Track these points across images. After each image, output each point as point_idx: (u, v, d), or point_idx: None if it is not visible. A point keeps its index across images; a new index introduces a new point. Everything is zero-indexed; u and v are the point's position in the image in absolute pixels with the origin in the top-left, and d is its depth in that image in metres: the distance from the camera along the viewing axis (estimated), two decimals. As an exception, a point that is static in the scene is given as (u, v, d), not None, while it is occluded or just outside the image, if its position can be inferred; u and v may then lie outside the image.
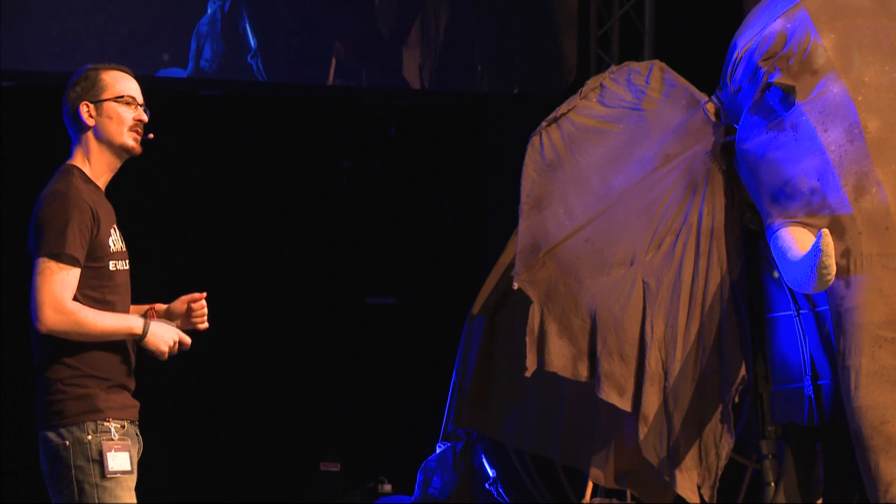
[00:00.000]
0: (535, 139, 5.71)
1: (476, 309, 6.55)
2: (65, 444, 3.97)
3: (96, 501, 3.94)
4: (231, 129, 9.28)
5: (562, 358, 5.48)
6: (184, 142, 9.12)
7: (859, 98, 5.06)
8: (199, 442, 9.07)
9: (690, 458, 5.43)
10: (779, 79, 5.18)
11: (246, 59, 8.64)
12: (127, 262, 4.19)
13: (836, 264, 4.85)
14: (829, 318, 5.16)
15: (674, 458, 5.41)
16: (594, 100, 5.76)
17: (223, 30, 8.63)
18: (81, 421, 3.98)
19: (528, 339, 5.47)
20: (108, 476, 3.95)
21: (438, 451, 6.91)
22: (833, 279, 4.83)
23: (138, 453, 4.13)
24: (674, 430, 5.41)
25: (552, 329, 5.47)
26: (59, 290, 4.00)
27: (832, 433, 5.54)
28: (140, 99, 4.27)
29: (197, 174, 9.20)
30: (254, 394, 9.21)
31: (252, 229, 9.34)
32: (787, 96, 5.17)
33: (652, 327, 5.42)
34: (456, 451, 6.82)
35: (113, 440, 3.99)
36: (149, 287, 9.72)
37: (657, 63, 5.81)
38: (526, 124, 5.98)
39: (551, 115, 5.73)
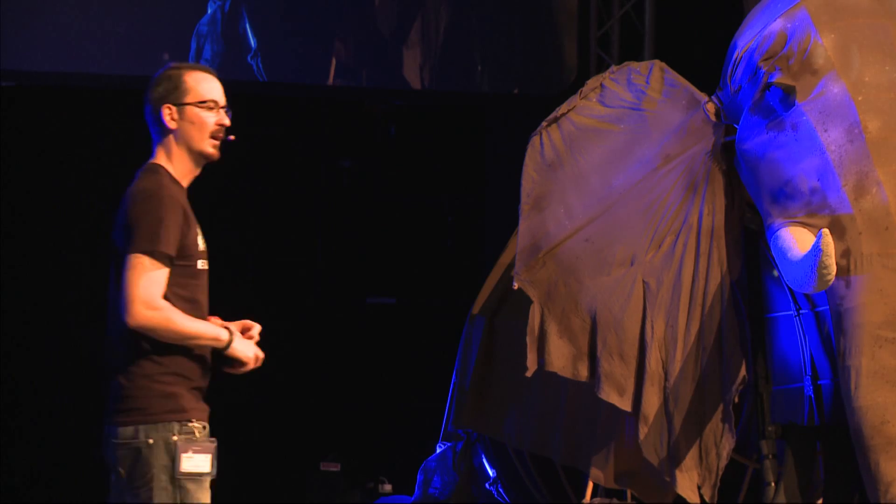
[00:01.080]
0: (535, 139, 5.71)
1: (476, 309, 6.54)
2: (147, 442, 3.90)
3: (178, 501, 3.89)
4: (231, 128, 9.28)
5: (562, 358, 5.47)
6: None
7: (859, 98, 5.06)
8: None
9: (691, 458, 5.42)
10: (779, 79, 5.18)
11: (246, 59, 8.64)
12: (207, 262, 4.18)
13: (837, 264, 4.85)
14: (829, 318, 5.16)
15: (674, 458, 5.41)
16: (594, 100, 5.76)
17: (223, 30, 8.63)
18: (167, 420, 3.92)
19: (528, 339, 5.47)
20: (184, 476, 3.89)
21: (438, 451, 6.91)
22: (833, 279, 4.83)
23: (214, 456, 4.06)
24: (674, 430, 5.41)
25: (552, 329, 5.47)
26: (151, 286, 3.91)
27: (832, 433, 5.53)
28: (222, 101, 4.21)
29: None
30: (254, 394, 9.20)
31: (252, 229, 9.34)
32: (787, 96, 5.17)
33: (652, 327, 5.42)
34: (456, 451, 6.82)
35: (194, 441, 3.93)
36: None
37: (657, 63, 5.81)
38: (526, 124, 5.98)
39: (551, 115, 5.73)
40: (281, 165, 9.37)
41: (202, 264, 4.11)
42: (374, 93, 9.10)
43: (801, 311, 5.61)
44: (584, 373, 5.47)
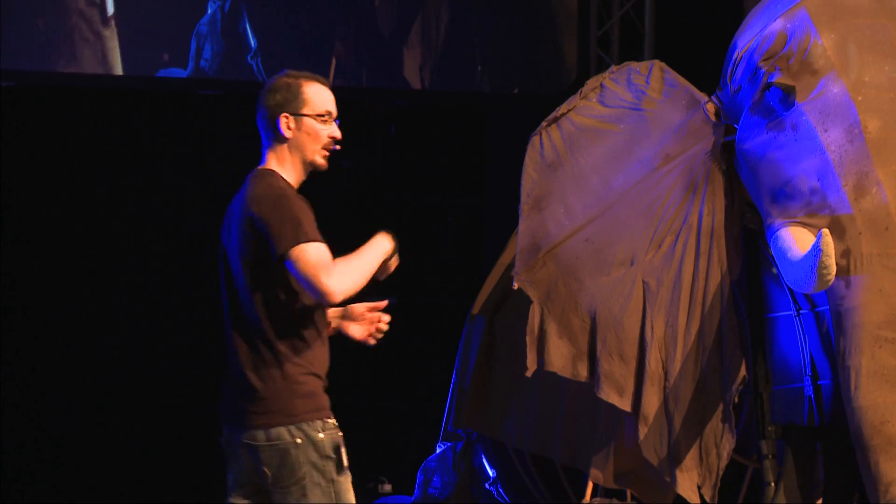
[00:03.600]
0: (535, 139, 5.71)
1: (476, 309, 6.54)
2: (295, 441, 3.98)
3: (333, 497, 3.98)
4: (231, 129, 9.27)
5: (561, 358, 5.47)
6: (184, 142, 9.12)
7: (859, 98, 5.06)
8: (200, 442, 9.06)
9: (691, 458, 5.42)
10: (779, 79, 5.18)
11: (246, 59, 8.63)
12: None
13: (836, 264, 4.85)
14: (829, 318, 5.16)
15: (674, 458, 5.41)
16: (594, 100, 5.76)
17: (223, 30, 8.63)
18: (311, 419, 4.01)
19: (528, 339, 5.47)
20: (344, 471, 4.00)
21: (438, 451, 6.91)
22: (833, 279, 4.83)
23: None
24: (674, 430, 5.41)
25: (552, 329, 5.47)
26: (321, 261, 3.99)
27: (832, 433, 5.54)
28: (335, 112, 4.27)
29: (196, 174, 9.19)
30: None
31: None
32: (787, 96, 5.17)
33: (652, 327, 5.42)
34: (456, 451, 6.82)
35: (340, 435, 4.05)
36: (148, 286, 9.73)
37: (657, 63, 5.81)
38: (526, 124, 5.98)
39: (551, 115, 5.73)
40: (281, 165, 9.36)
41: None
42: (374, 93, 9.09)
43: (801, 311, 5.61)
44: (583, 373, 5.47)
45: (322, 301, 4.01)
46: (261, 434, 3.99)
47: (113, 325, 8.99)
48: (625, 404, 5.43)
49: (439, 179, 9.74)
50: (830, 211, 5.01)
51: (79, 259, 8.91)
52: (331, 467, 3.99)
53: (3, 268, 8.68)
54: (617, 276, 5.48)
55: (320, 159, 4.23)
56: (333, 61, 8.83)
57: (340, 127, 4.24)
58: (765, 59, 5.27)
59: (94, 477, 8.85)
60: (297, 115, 4.19)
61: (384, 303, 4.33)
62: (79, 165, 8.91)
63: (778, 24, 5.29)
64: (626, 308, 5.44)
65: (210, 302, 9.16)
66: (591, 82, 5.86)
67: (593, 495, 6.25)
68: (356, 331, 4.36)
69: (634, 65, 5.84)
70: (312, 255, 3.97)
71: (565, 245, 5.55)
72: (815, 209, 5.05)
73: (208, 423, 9.52)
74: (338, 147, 4.26)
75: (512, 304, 6.15)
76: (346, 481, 4.01)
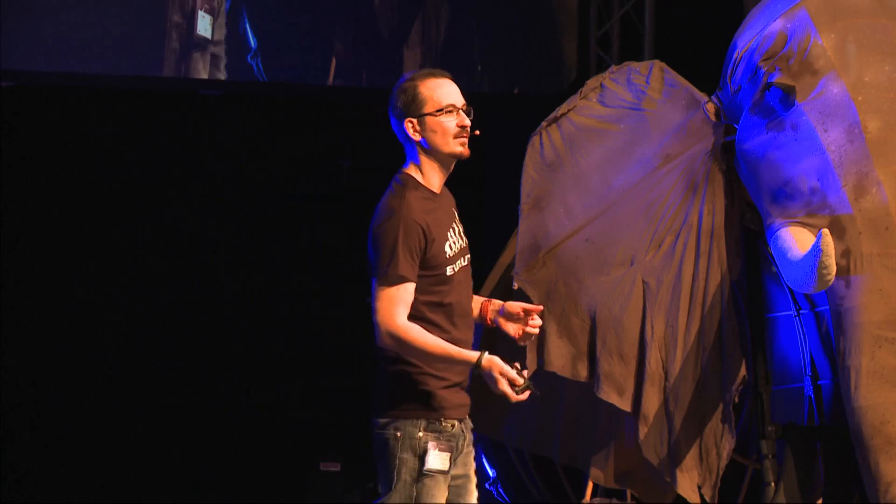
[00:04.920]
0: (535, 139, 5.71)
1: (476, 309, 6.53)
2: (396, 435, 4.14)
3: (412, 494, 4.12)
4: (231, 129, 9.28)
5: (561, 358, 5.48)
6: (184, 142, 9.12)
7: (859, 98, 5.06)
8: (200, 442, 9.07)
9: (691, 458, 5.43)
10: (779, 79, 5.18)
11: (246, 59, 8.63)
12: (467, 257, 4.35)
13: (836, 264, 4.85)
14: (829, 318, 5.17)
15: (674, 458, 5.41)
16: (594, 100, 5.76)
17: (223, 30, 8.63)
18: (416, 417, 4.15)
19: (528, 338, 5.47)
20: (426, 473, 4.12)
21: (438, 451, 6.90)
22: (833, 279, 4.83)
23: (461, 448, 4.25)
24: (674, 430, 5.41)
25: (552, 329, 5.48)
26: (389, 309, 4.11)
27: (832, 433, 5.54)
28: (460, 102, 4.33)
29: (196, 174, 9.19)
30: (254, 393, 9.21)
31: (252, 229, 9.34)
32: (787, 96, 5.17)
33: (652, 327, 5.42)
34: (456, 451, 6.81)
35: (439, 440, 4.14)
36: (149, 286, 9.72)
37: (657, 63, 5.81)
38: (526, 124, 5.97)
39: (551, 115, 5.74)
40: (281, 165, 9.37)
41: (453, 269, 4.27)
42: (374, 93, 9.09)
43: (801, 311, 5.61)
44: (583, 373, 5.47)
45: (376, 336, 4.13)
46: (376, 422, 4.18)
47: (113, 325, 8.99)
48: (625, 404, 5.43)
49: (439, 179, 9.72)
50: (830, 211, 5.01)
51: (79, 259, 8.91)
52: (419, 466, 4.14)
53: (3, 268, 8.68)
54: (617, 276, 5.48)
55: (459, 148, 4.33)
56: (333, 61, 8.83)
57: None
58: (765, 59, 5.27)
59: (94, 477, 8.85)
60: (419, 116, 4.29)
61: (540, 307, 4.40)
62: (79, 165, 8.91)
63: (778, 24, 5.29)
64: (625, 308, 5.44)
65: (210, 302, 9.18)
66: (591, 82, 5.86)
67: (593, 495, 6.25)
68: (511, 328, 4.43)
69: (634, 65, 5.84)
70: (386, 296, 4.11)
71: (565, 245, 5.55)
72: (815, 209, 5.05)
73: (208, 423, 9.56)
74: (477, 132, 4.36)
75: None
76: (434, 485, 4.14)
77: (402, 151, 4.43)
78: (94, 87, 8.73)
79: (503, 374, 4.12)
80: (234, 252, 9.28)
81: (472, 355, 4.15)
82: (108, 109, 8.95)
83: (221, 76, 8.62)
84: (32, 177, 8.90)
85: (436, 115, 4.27)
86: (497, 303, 4.43)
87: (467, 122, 4.32)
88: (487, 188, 9.77)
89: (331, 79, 8.83)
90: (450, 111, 4.30)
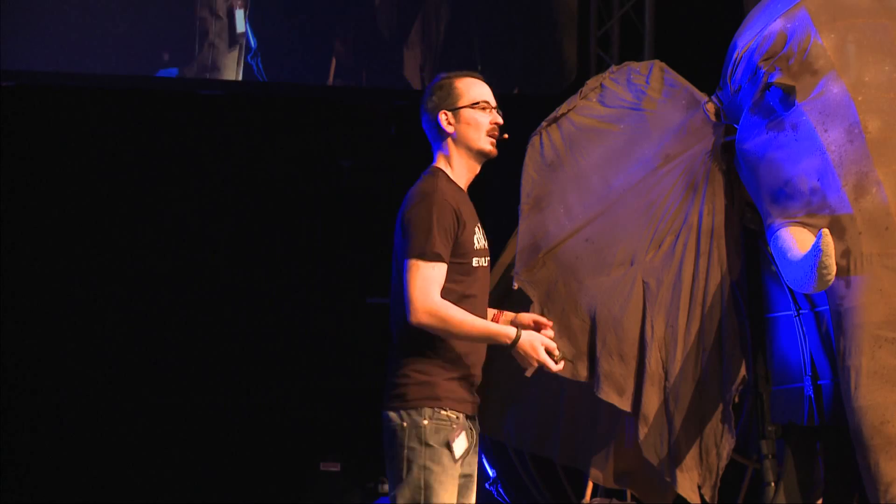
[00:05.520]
0: (535, 139, 5.71)
1: (476, 309, 6.53)
2: (402, 424, 4.30)
3: (421, 482, 4.22)
4: (231, 129, 9.28)
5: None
6: (184, 142, 9.12)
7: (859, 98, 5.06)
8: (199, 442, 9.07)
9: (691, 458, 5.42)
10: (779, 79, 5.18)
11: (246, 59, 8.63)
12: (487, 259, 4.41)
13: (836, 264, 4.85)
14: (829, 318, 5.16)
15: (674, 458, 5.41)
16: (594, 100, 5.76)
17: (223, 30, 8.62)
18: (420, 406, 4.28)
19: (528, 339, 5.47)
20: (456, 461, 4.22)
21: (438, 451, 6.89)
22: (833, 279, 4.83)
23: (472, 447, 4.33)
24: (674, 430, 5.41)
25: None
26: (426, 286, 4.20)
27: (832, 433, 5.54)
28: (493, 102, 4.46)
29: (196, 174, 9.20)
30: (253, 394, 9.21)
31: (252, 229, 9.34)
32: (787, 96, 5.17)
33: (652, 327, 5.42)
34: (456, 451, 6.80)
35: (454, 429, 4.23)
36: (149, 286, 9.72)
37: (657, 63, 5.81)
38: (526, 124, 5.98)
39: (551, 115, 5.74)
40: (281, 165, 9.37)
41: (478, 262, 4.34)
42: (374, 93, 9.09)
43: (801, 311, 5.61)
44: (583, 373, 5.47)
45: (406, 316, 4.22)
46: (384, 413, 4.35)
47: (113, 325, 8.99)
48: (625, 404, 5.43)
49: (439, 179, 9.72)
50: (830, 211, 5.01)
51: (79, 259, 8.91)
52: (426, 454, 4.23)
53: (3, 268, 8.68)
54: (617, 276, 5.48)
55: (487, 146, 4.44)
56: (333, 61, 8.83)
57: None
58: (765, 59, 5.27)
59: (94, 477, 8.85)
60: (455, 109, 4.39)
61: (550, 323, 4.48)
62: (79, 165, 8.91)
63: (778, 24, 5.29)
64: (625, 308, 5.44)
65: (210, 301, 9.18)
66: (591, 82, 5.86)
67: (593, 495, 6.24)
68: None
69: (634, 65, 5.84)
70: (422, 274, 4.20)
71: (565, 245, 5.55)
72: (815, 209, 5.05)
73: (208, 423, 9.56)
74: (506, 136, 4.47)
75: (512, 304, 6.14)
76: (442, 473, 4.22)
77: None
78: (94, 87, 8.73)
79: (544, 345, 4.22)
80: (234, 252, 9.28)
81: (511, 331, 4.23)
82: (108, 109, 8.95)
83: (221, 76, 8.62)
84: (33, 177, 8.90)
85: (471, 109, 4.39)
86: (508, 314, 4.51)
87: (499, 120, 4.44)
88: (487, 188, 9.77)
89: (331, 79, 8.83)
90: (483, 107, 4.41)
